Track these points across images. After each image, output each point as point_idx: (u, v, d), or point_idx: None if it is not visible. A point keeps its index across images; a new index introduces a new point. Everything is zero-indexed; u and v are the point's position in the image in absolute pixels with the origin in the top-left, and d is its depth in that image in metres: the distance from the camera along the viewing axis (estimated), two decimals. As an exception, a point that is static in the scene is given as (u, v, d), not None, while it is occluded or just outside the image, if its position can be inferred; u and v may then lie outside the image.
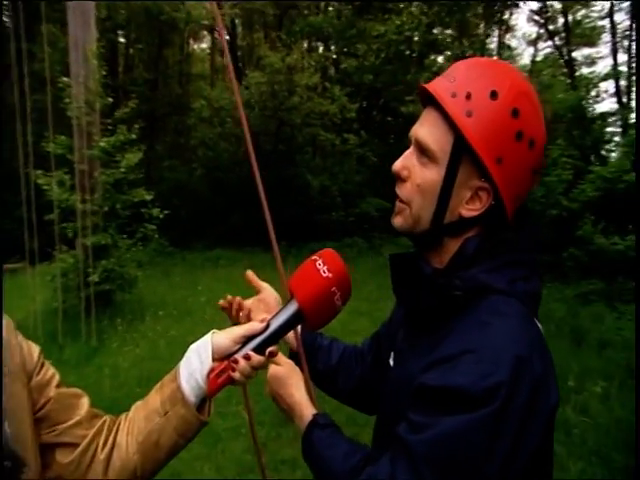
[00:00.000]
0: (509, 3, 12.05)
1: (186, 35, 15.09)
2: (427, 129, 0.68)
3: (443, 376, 0.59)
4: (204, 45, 18.53)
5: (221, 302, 0.91)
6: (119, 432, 0.69)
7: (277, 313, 0.72)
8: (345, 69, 11.65)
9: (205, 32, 15.86)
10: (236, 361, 0.68)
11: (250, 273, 0.92)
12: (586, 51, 15.34)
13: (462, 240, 0.70)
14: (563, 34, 11.55)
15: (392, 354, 0.83)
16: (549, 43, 13.08)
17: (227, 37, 14.21)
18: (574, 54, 12.56)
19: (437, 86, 0.68)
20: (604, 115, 12.63)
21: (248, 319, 0.88)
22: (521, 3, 12.10)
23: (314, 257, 0.72)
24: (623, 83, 13.22)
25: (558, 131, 8.31)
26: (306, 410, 0.78)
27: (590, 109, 9.25)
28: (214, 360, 0.68)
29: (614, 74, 12.42)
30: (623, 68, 12.54)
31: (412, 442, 0.59)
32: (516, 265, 0.67)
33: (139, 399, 0.74)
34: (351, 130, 10.96)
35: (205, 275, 8.22)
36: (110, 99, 5.93)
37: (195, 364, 0.68)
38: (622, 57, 13.16)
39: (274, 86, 9.96)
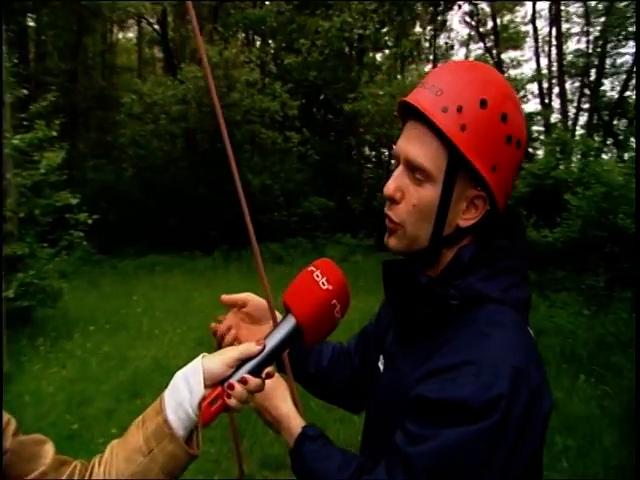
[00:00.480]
0: (447, 5, 12.75)
1: (111, 23, 14.28)
2: (418, 147, 0.67)
3: (443, 388, 0.60)
4: (130, 35, 17.66)
5: (213, 325, 0.85)
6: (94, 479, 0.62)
7: (272, 331, 0.68)
8: (285, 65, 11.67)
9: (132, 21, 15.11)
10: (232, 386, 0.63)
11: (225, 297, 0.86)
12: (512, 54, 16.66)
13: (457, 249, 0.71)
14: (492, 37, 12.45)
15: (381, 357, 0.83)
16: (480, 45, 14.05)
17: (157, 27, 13.66)
18: (502, 56, 13.59)
19: (423, 101, 0.66)
20: (530, 115, 13.77)
21: (233, 340, 0.83)
22: (455, 5, 12.88)
23: (311, 268, 0.69)
24: (545, 85, 14.51)
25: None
26: (294, 422, 0.76)
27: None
28: (206, 387, 0.63)
29: (538, 77, 13.59)
30: (545, 71, 13.76)
31: (411, 454, 0.59)
32: (509, 272, 0.69)
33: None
34: (293, 128, 11.00)
35: (140, 283, 7.85)
36: (24, 90, 5.49)
37: (184, 393, 0.62)
38: (544, 61, 14.44)
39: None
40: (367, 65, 12.49)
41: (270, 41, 13.76)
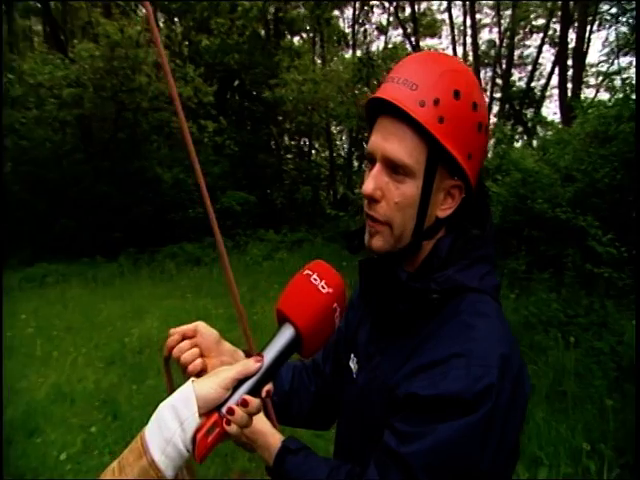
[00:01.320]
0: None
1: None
2: (396, 144, 0.69)
3: (434, 384, 0.63)
4: None
5: (170, 342, 0.76)
6: None
7: (268, 343, 0.65)
8: (198, 46, 11.20)
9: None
10: (232, 411, 0.59)
11: (173, 331, 0.77)
12: (430, 42, 17.68)
13: (434, 242, 0.75)
14: (411, 23, 13.08)
15: (353, 357, 0.84)
16: (400, 31, 14.69)
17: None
18: (421, 44, 14.34)
19: (400, 96, 0.69)
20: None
21: (202, 366, 0.75)
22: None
23: (306, 272, 0.68)
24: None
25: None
26: (271, 438, 0.75)
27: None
28: (200, 416, 0.58)
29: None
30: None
31: (406, 454, 0.61)
32: (483, 260, 0.74)
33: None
34: (208, 116, 10.63)
35: (28, 299, 7.08)
36: None
37: (173, 426, 0.56)
38: (460, 50, 15.55)
39: (113, 62, 9.01)
40: (285, 49, 12.44)
41: (176, 19, 13.15)
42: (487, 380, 0.61)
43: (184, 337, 0.76)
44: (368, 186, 0.71)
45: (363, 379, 0.79)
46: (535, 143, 10.51)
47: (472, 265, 0.72)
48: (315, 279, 0.66)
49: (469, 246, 0.73)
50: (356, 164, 14.62)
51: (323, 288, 0.65)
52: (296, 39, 15.36)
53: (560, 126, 9.56)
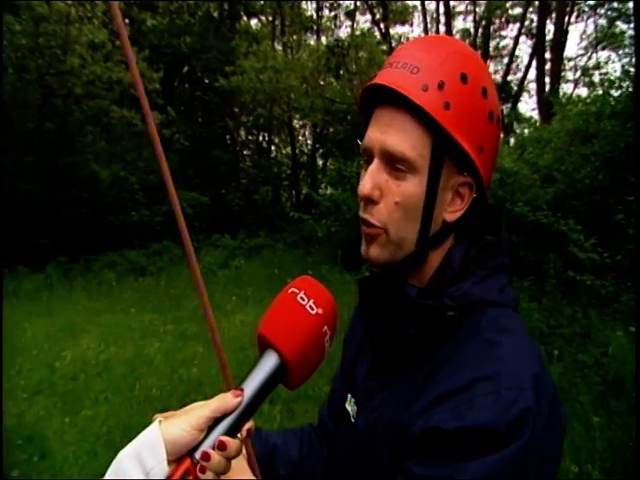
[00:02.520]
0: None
1: None
2: (396, 135, 0.67)
3: (459, 415, 0.58)
4: None
5: None
6: None
7: (249, 374, 0.62)
8: (142, 26, 10.96)
9: None
10: (207, 456, 0.54)
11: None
12: (401, 29, 18.06)
13: (444, 251, 0.72)
14: (380, 9, 13.33)
15: (351, 398, 0.80)
16: (368, 17, 14.93)
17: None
18: (391, 31, 14.63)
19: (400, 81, 0.66)
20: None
21: None
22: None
23: (292, 290, 0.65)
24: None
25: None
26: None
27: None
28: (169, 463, 0.54)
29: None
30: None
31: None
32: (501, 270, 0.71)
33: None
34: (153, 105, 10.40)
35: None
36: None
37: (136, 477, 0.52)
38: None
39: (39, 39, 8.65)
40: (242, 33, 12.38)
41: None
42: (522, 405, 0.57)
43: None
44: (365, 185, 0.68)
45: (364, 422, 0.75)
46: (512, 141, 10.89)
47: (490, 276, 0.70)
48: (302, 298, 0.63)
49: (485, 255, 0.71)
50: (320, 162, 14.70)
51: (311, 308, 0.63)
52: (254, 22, 15.34)
53: (538, 123, 9.97)
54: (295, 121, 14.50)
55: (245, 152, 15.79)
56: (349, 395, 0.82)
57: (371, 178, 0.69)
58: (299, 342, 0.61)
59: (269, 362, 0.61)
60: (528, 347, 0.64)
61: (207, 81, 13.65)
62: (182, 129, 11.72)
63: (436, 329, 0.68)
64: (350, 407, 0.81)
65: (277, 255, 9.57)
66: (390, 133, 0.67)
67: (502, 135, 0.76)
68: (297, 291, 0.65)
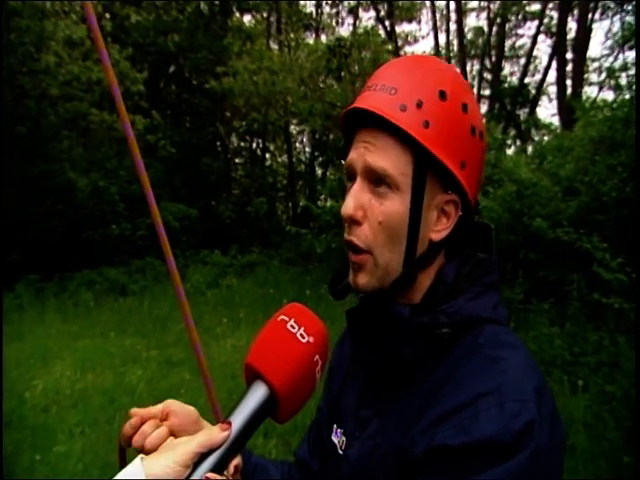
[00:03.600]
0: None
1: None
2: (378, 155, 0.73)
3: (465, 430, 0.63)
4: None
5: (128, 431, 0.70)
6: None
7: (237, 407, 0.64)
8: (125, 22, 11.11)
9: None
10: None
11: (135, 412, 0.73)
12: (408, 27, 18.28)
13: (434, 270, 0.78)
14: (385, 5, 13.53)
15: (337, 430, 0.84)
16: (372, 14, 15.15)
17: None
18: (397, 29, 14.84)
19: (378, 103, 0.73)
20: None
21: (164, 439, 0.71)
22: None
23: (281, 317, 0.68)
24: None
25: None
26: None
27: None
28: None
29: (437, 56, 15.12)
30: (445, 51, 15.36)
31: None
32: (493, 288, 0.77)
33: None
34: (137, 109, 10.50)
35: None
36: None
37: None
38: (443, 38, 16.16)
39: (10, 35, 8.74)
40: (234, 31, 12.55)
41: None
42: (526, 417, 0.62)
43: (149, 419, 0.73)
44: (348, 205, 0.74)
45: (357, 453, 0.78)
46: (530, 149, 10.97)
47: (484, 293, 0.76)
48: (292, 326, 0.67)
49: (478, 272, 0.77)
50: (320, 171, 14.79)
51: (302, 337, 0.66)
52: (247, 19, 15.55)
53: (559, 130, 10.05)
54: (292, 127, 14.64)
55: (237, 160, 15.90)
56: (335, 426, 0.86)
57: (354, 198, 0.74)
58: (289, 372, 0.64)
59: (257, 394, 0.64)
60: (528, 360, 0.70)
61: (196, 83, 13.78)
62: (168, 135, 11.81)
63: (431, 347, 0.73)
64: (337, 439, 0.84)
65: (272, 273, 9.58)
66: (372, 150, 0.74)
67: (485, 149, 0.82)
68: (287, 319, 0.68)
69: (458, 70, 0.82)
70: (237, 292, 8.61)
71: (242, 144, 16.07)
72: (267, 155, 16.16)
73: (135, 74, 10.15)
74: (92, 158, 11.02)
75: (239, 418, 0.63)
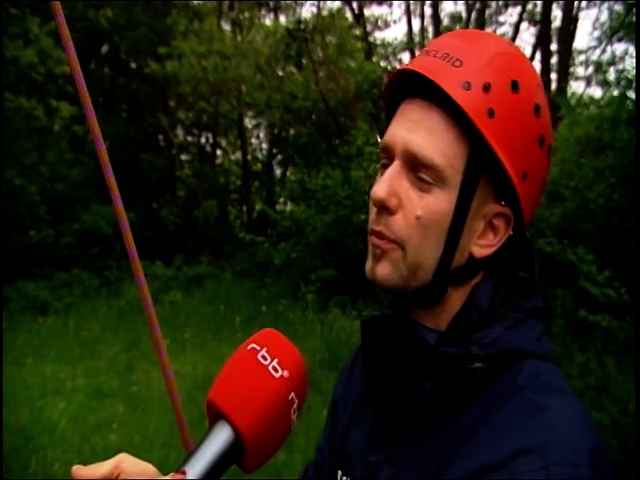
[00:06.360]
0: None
1: None
2: (425, 136, 0.69)
3: None
4: None
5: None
6: None
7: (195, 452, 0.61)
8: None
9: None
10: None
11: (77, 473, 0.67)
12: (378, 10, 18.53)
13: (467, 289, 0.74)
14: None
15: (342, 476, 0.82)
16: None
17: None
18: (366, 12, 15.03)
19: (436, 70, 0.68)
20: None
21: None
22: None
23: (251, 345, 0.66)
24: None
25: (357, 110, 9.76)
26: None
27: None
28: None
29: (410, 44, 15.38)
30: (419, 38, 15.63)
31: None
32: (536, 315, 0.73)
33: None
34: (62, 94, 10.30)
35: None
36: None
37: None
38: (417, 24, 16.41)
39: None
40: (180, 8, 12.47)
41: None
42: None
43: None
44: (380, 189, 0.70)
45: None
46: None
47: (525, 321, 0.71)
48: (264, 357, 0.64)
49: (517, 296, 0.73)
50: (278, 171, 14.80)
51: (275, 370, 0.63)
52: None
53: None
54: (247, 120, 14.62)
55: (183, 157, 15.76)
56: (339, 472, 0.83)
57: (389, 182, 0.70)
58: (258, 413, 0.61)
59: (220, 437, 0.61)
60: (580, 412, 0.65)
61: (134, 66, 13.64)
62: (101, 125, 11.42)
63: (460, 385, 0.69)
64: None
65: (223, 287, 9.52)
66: (418, 132, 0.69)
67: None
68: (258, 348, 0.65)
69: (532, 64, 0.76)
70: (182, 309, 8.52)
71: (189, 138, 15.94)
72: (218, 152, 16.10)
73: (60, 53, 9.90)
74: (6, 151, 10.71)
75: (197, 466, 0.60)
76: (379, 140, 0.77)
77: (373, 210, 0.72)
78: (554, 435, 0.60)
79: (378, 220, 0.72)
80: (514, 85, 0.69)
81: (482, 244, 0.73)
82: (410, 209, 0.70)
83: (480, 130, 0.67)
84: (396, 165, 0.71)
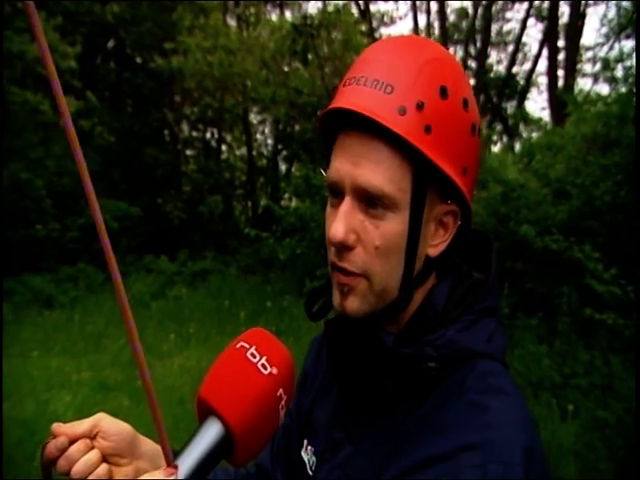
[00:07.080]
0: None
1: None
2: (372, 169, 0.70)
3: None
4: None
5: (52, 453, 0.73)
6: None
7: (186, 447, 0.63)
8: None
9: None
10: None
11: (56, 430, 0.77)
12: (384, 6, 18.45)
13: (425, 290, 0.78)
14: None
15: (308, 445, 0.85)
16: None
17: None
18: (372, 8, 14.98)
19: (371, 104, 0.70)
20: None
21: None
22: None
23: (240, 344, 0.67)
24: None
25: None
26: None
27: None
28: None
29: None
30: (424, 34, 15.56)
31: None
32: (489, 314, 0.77)
33: None
34: (69, 88, 10.29)
35: None
36: None
37: None
38: (423, 20, 16.34)
39: None
40: (185, 3, 12.44)
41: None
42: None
43: (75, 439, 0.73)
44: (337, 229, 0.71)
45: (325, 476, 0.80)
46: (518, 146, 11.21)
47: (478, 321, 0.75)
48: (253, 354, 0.66)
49: (471, 296, 0.76)
50: (283, 167, 14.77)
51: (264, 368, 0.65)
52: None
53: (549, 126, 10.32)
54: (252, 115, 14.58)
55: (188, 152, 15.75)
56: (305, 441, 0.87)
57: (344, 221, 0.72)
58: (248, 408, 0.63)
59: (211, 433, 0.63)
60: (520, 413, 0.69)
61: (140, 61, 13.62)
62: (106, 120, 11.61)
63: (415, 382, 0.72)
64: (307, 456, 0.86)
65: (227, 283, 9.53)
66: (363, 166, 0.71)
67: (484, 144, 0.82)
68: (247, 346, 0.67)
69: (453, 56, 0.80)
70: (187, 304, 8.55)
71: (194, 134, 15.91)
72: (223, 147, 16.07)
73: (66, 48, 9.92)
74: (12, 146, 10.72)
75: (187, 461, 0.62)
76: (323, 173, 0.78)
77: (332, 248, 0.75)
78: (495, 434, 0.64)
79: (340, 257, 0.74)
80: (443, 92, 0.71)
81: (435, 243, 0.76)
82: (368, 241, 0.72)
83: (421, 150, 0.69)
84: (347, 202, 0.73)
